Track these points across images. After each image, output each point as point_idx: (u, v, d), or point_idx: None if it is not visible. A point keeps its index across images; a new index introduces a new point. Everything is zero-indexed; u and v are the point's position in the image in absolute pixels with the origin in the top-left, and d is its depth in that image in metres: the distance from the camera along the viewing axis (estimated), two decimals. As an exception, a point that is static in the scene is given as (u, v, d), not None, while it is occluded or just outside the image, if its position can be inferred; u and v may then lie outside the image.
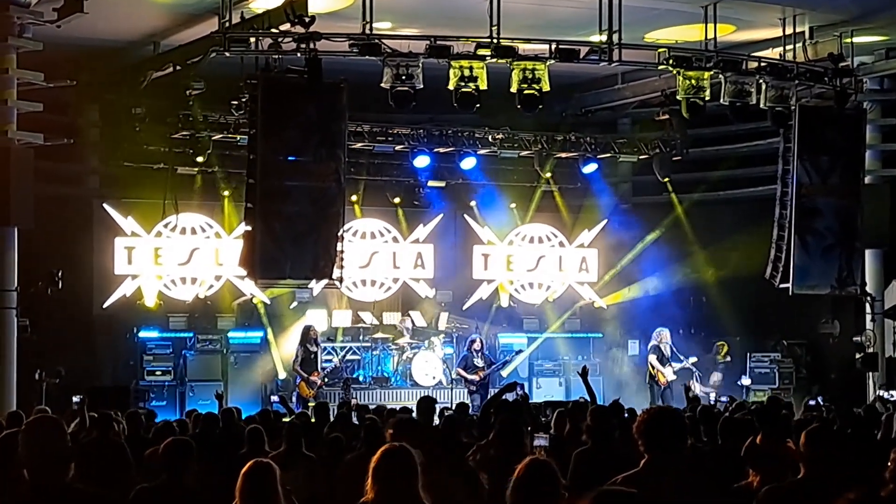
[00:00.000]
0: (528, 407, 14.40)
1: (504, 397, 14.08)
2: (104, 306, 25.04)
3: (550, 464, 6.82)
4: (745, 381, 25.71)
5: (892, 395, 22.32)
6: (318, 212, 20.59)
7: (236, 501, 7.15)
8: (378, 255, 27.54)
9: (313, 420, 15.68)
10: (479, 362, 24.54)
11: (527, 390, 23.38)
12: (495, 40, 20.14)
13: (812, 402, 19.75)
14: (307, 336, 24.07)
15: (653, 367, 24.80)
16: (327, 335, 26.16)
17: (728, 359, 26.41)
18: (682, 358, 24.86)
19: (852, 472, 8.34)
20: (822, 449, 7.77)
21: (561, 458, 8.75)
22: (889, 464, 7.25)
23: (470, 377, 24.44)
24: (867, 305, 24.96)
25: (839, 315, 26.12)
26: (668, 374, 24.63)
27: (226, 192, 25.52)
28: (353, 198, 26.11)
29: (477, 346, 24.76)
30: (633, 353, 27.55)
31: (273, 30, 19.81)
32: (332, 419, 15.67)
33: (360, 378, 25.67)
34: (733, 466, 9.91)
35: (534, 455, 6.91)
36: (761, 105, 22.31)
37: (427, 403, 13.46)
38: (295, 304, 26.31)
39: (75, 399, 19.87)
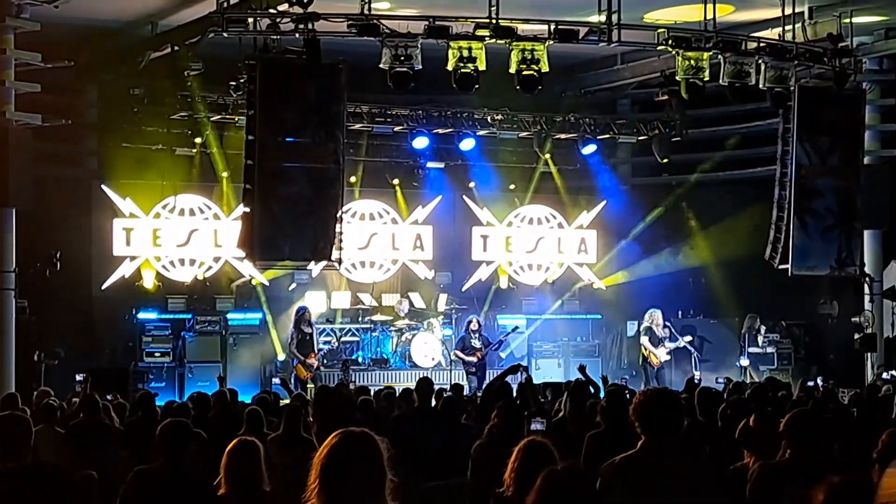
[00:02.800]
0: (532, 390, 14.35)
1: (507, 380, 14.05)
2: (103, 288, 25.02)
3: (548, 445, 6.82)
4: (744, 361, 25.74)
5: (891, 376, 22.34)
6: (317, 193, 20.56)
7: (221, 479, 7.15)
8: (377, 236, 27.52)
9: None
10: (476, 343, 24.51)
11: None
12: (494, 20, 20.09)
13: (811, 384, 19.75)
14: (301, 318, 23.99)
15: (645, 349, 24.83)
16: (326, 317, 26.16)
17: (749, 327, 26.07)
18: (678, 337, 24.88)
19: (845, 454, 8.35)
20: (802, 431, 7.80)
21: (563, 441, 8.75)
22: (879, 445, 7.28)
23: (468, 359, 24.40)
24: (866, 286, 24.94)
25: (838, 296, 26.12)
26: (660, 354, 24.63)
27: (224, 174, 25.48)
28: (352, 179, 26.05)
29: (474, 326, 24.72)
30: (631, 335, 27.56)
31: (271, 10, 19.77)
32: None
33: (359, 359, 25.68)
34: (731, 448, 9.92)
35: (531, 438, 6.88)
36: (760, 86, 22.28)
37: (425, 385, 13.46)
38: (294, 285, 26.31)
39: (78, 377, 19.94)
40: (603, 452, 8.36)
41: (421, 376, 15.90)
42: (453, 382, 19.52)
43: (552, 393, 16.36)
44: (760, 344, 25.95)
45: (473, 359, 24.32)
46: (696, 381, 19.13)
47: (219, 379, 20.07)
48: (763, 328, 26.04)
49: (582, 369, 16.68)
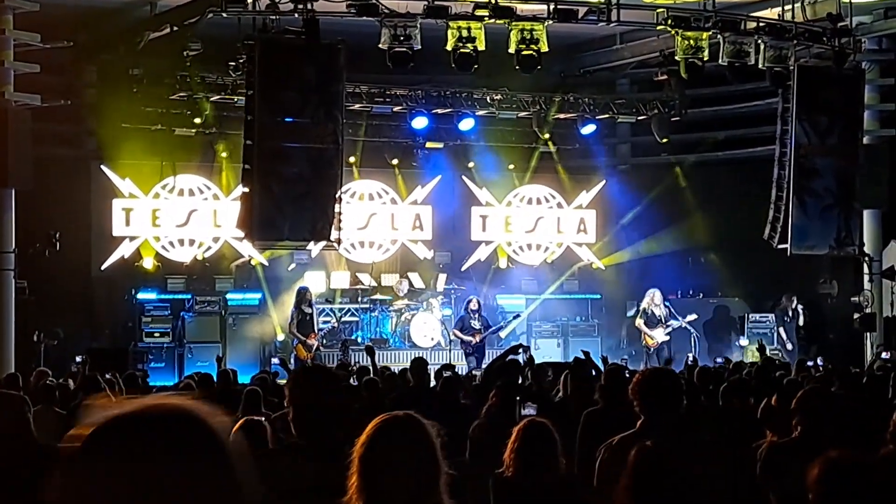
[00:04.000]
0: (534, 370, 14.36)
1: (509, 359, 14.05)
2: (102, 268, 25.03)
3: (548, 425, 6.84)
4: (743, 341, 25.74)
5: (891, 355, 22.34)
6: (316, 173, 20.56)
7: None
8: (376, 216, 27.52)
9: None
10: (475, 324, 24.47)
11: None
12: (493, 0, 20.07)
13: (810, 364, 19.75)
14: (302, 298, 23.99)
15: (640, 331, 24.84)
16: (325, 297, 26.15)
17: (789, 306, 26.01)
18: (678, 317, 24.87)
19: (852, 432, 8.34)
20: (813, 409, 7.79)
21: (564, 421, 8.74)
22: (891, 425, 7.26)
23: (466, 338, 24.38)
24: (865, 266, 24.95)
25: (837, 275, 26.10)
26: (656, 335, 24.56)
27: (224, 154, 25.46)
28: (352, 159, 26.04)
29: (474, 306, 24.67)
30: (631, 315, 27.55)
31: (270, -10, 19.74)
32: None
33: (359, 339, 25.68)
34: (732, 427, 9.94)
35: (531, 418, 6.89)
36: (760, 65, 22.27)
37: (419, 365, 13.46)
38: (293, 265, 26.29)
39: (77, 359, 19.96)
40: (598, 429, 8.38)
41: (416, 356, 15.90)
42: (444, 363, 19.47)
43: (554, 372, 16.37)
44: (802, 322, 25.84)
45: (472, 339, 24.28)
46: (688, 363, 19.14)
47: (217, 359, 20.08)
48: (801, 308, 25.90)
49: (586, 355, 16.61)
